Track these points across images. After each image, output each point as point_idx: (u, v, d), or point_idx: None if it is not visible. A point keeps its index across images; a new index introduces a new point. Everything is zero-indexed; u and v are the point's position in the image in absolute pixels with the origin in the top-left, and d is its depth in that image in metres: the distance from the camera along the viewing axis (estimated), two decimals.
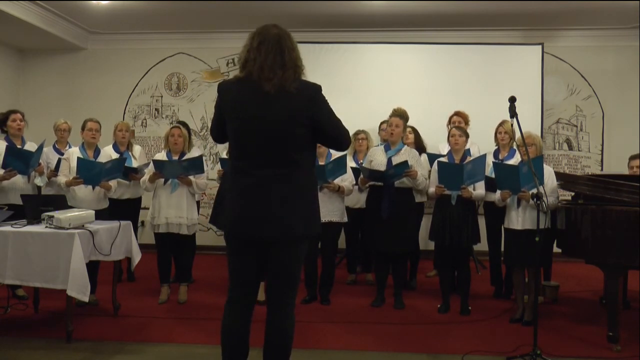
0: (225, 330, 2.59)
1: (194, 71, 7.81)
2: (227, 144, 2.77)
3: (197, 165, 4.64)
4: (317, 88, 2.49)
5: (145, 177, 4.76)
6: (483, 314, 4.54)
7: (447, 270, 4.73)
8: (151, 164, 4.77)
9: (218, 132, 2.62)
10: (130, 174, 5.16)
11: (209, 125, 7.19)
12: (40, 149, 4.76)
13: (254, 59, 2.43)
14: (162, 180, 4.70)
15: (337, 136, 2.56)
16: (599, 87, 7.38)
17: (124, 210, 5.07)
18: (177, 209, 4.70)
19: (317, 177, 4.61)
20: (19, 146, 4.77)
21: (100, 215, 4.41)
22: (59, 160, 5.02)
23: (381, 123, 5.81)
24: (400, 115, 4.80)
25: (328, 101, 2.50)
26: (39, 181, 4.91)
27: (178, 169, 4.65)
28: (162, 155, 4.81)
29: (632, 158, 5.22)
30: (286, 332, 2.58)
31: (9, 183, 4.61)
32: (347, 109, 6.85)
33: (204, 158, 4.86)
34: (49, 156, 5.22)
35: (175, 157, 4.77)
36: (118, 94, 7.82)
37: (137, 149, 5.66)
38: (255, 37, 2.47)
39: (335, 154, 4.75)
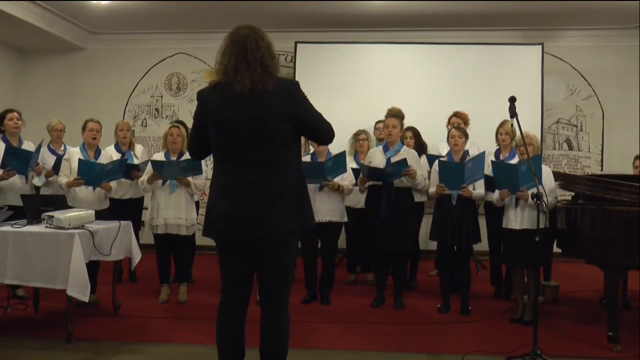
0: (220, 331, 2.61)
1: (194, 71, 7.82)
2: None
3: (195, 166, 4.62)
4: (295, 84, 2.54)
5: (144, 177, 4.74)
6: (483, 314, 4.54)
7: (447, 270, 4.73)
8: (149, 164, 4.77)
9: (196, 144, 2.63)
10: (132, 171, 5.12)
11: None
12: (38, 148, 4.75)
13: (221, 63, 2.49)
14: (161, 181, 4.69)
15: (320, 128, 2.58)
16: (599, 87, 7.38)
17: (125, 210, 5.05)
18: (176, 210, 4.70)
19: (317, 175, 4.65)
20: (15, 145, 4.76)
21: (100, 215, 4.41)
22: (57, 161, 5.00)
23: (376, 122, 5.80)
24: (396, 115, 4.78)
25: (308, 97, 2.54)
26: (37, 181, 4.90)
27: (176, 171, 4.63)
28: (160, 156, 4.80)
29: (638, 157, 5.23)
30: (281, 333, 2.57)
31: (7, 183, 4.61)
32: (347, 109, 6.91)
33: None
34: (45, 157, 5.20)
35: (174, 157, 4.76)
36: (118, 94, 7.82)
37: (139, 148, 5.65)
38: (224, 40, 2.53)
39: (335, 152, 4.75)
